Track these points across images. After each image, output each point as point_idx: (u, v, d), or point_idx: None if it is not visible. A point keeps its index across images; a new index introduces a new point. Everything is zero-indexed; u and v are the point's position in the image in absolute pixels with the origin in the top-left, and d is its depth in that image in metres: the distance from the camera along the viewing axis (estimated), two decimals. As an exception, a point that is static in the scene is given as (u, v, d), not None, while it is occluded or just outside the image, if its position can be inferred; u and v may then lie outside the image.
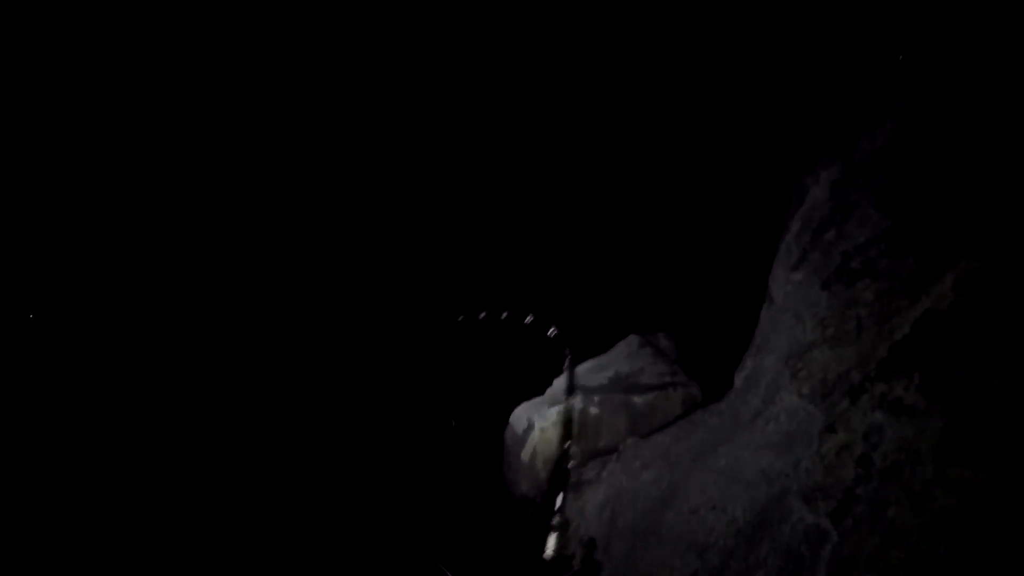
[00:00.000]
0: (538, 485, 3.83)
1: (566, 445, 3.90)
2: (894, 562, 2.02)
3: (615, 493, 3.37)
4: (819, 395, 2.67)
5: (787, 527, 2.46)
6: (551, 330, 4.39)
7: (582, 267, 5.60)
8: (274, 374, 5.88)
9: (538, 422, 3.99)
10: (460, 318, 5.06)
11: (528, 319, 4.45)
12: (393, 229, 7.24)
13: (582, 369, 4.45)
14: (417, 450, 4.65)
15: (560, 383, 4.33)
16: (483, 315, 4.86)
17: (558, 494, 3.65)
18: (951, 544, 1.91)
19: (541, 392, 4.31)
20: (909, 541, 2.03)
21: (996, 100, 2.64)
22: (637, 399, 3.90)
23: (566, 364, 4.30)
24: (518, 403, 4.26)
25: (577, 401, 3.97)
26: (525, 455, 3.93)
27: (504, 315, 4.67)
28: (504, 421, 4.24)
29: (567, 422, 3.94)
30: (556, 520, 3.30)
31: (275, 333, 6.53)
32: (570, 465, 3.83)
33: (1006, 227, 2.33)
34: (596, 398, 3.97)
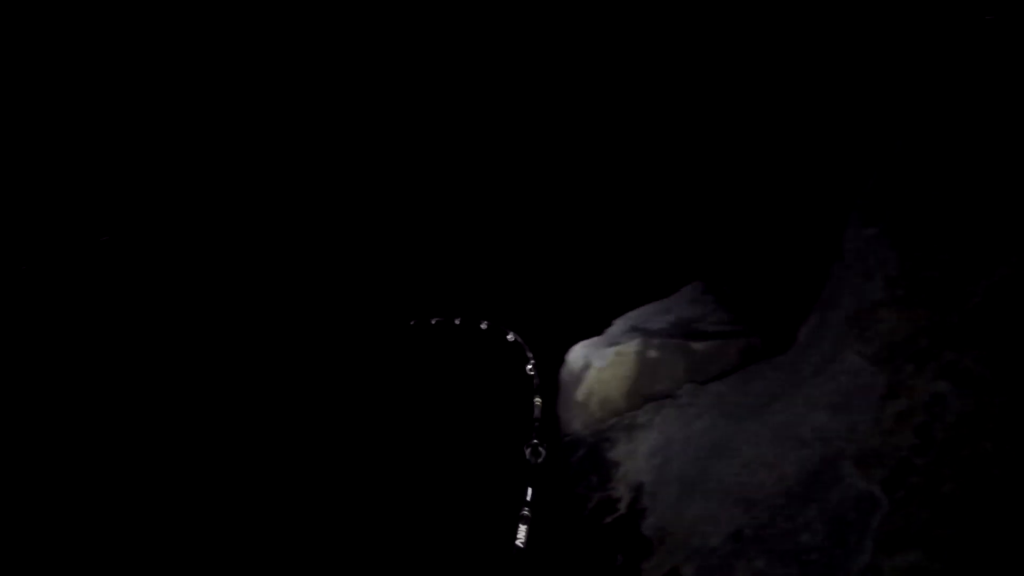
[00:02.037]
0: (591, 426, 3.85)
1: (622, 387, 3.90)
2: (945, 540, 1.96)
3: (667, 439, 3.36)
4: (884, 357, 2.57)
5: (837, 491, 2.41)
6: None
7: (653, 209, 5.46)
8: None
9: (595, 362, 3.97)
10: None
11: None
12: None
13: (644, 311, 4.40)
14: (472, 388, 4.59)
15: (619, 324, 4.30)
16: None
17: (610, 435, 3.67)
18: (1008, 529, 1.83)
19: (600, 333, 4.28)
20: (963, 520, 1.96)
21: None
22: (697, 345, 3.83)
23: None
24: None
25: (636, 343, 3.94)
26: (580, 395, 3.94)
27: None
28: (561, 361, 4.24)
29: (625, 364, 3.92)
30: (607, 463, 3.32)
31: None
32: (625, 407, 3.83)
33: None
34: (656, 341, 3.92)
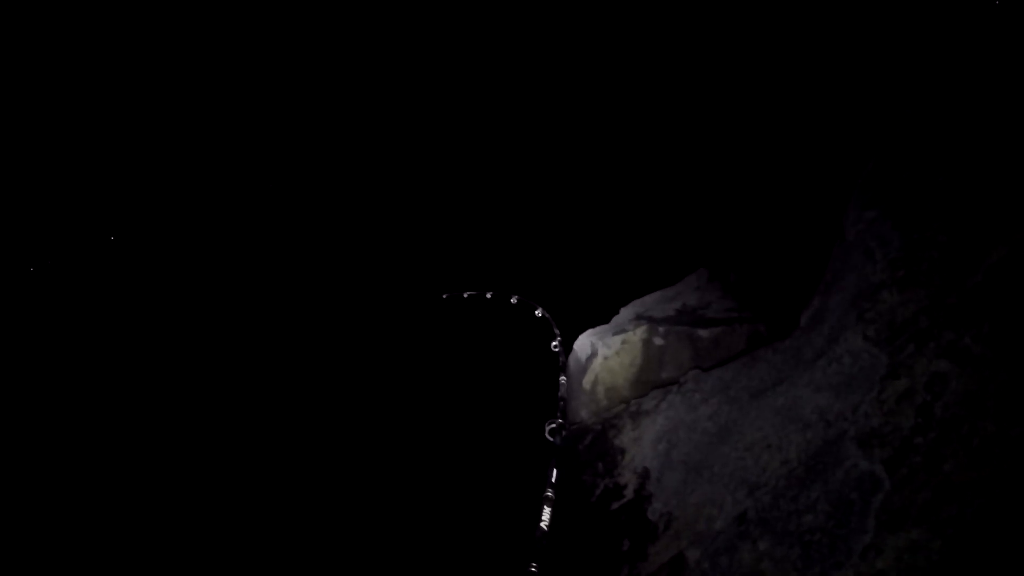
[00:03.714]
0: (598, 413, 3.87)
1: (629, 375, 3.91)
2: (945, 518, 1.96)
3: (672, 425, 3.37)
4: (884, 338, 2.57)
5: (840, 472, 2.41)
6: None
7: (654, 198, 5.45)
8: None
9: (602, 350, 3.99)
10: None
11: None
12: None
13: (650, 299, 4.40)
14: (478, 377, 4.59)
15: (626, 312, 4.31)
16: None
17: (616, 423, 3.68)
18: (1010, 506, 1.84)
19: (607, 321, 4.30)
20: (964, 498, 1.96)
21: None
22: (702, 332, 3.84)
23: None
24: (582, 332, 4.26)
25: (642, 331, 3.95)
26: (587, 383, 3.96)
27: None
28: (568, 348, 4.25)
29: (631, 351, 3.93)
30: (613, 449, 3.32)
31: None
32: (631, 395, 3.84)
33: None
34: (661, 329, 3.93)
